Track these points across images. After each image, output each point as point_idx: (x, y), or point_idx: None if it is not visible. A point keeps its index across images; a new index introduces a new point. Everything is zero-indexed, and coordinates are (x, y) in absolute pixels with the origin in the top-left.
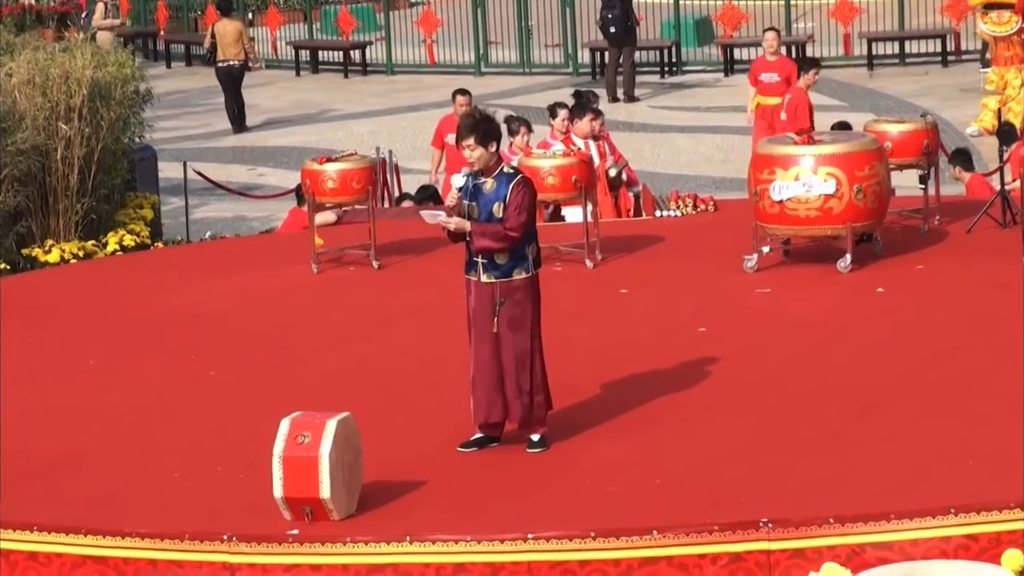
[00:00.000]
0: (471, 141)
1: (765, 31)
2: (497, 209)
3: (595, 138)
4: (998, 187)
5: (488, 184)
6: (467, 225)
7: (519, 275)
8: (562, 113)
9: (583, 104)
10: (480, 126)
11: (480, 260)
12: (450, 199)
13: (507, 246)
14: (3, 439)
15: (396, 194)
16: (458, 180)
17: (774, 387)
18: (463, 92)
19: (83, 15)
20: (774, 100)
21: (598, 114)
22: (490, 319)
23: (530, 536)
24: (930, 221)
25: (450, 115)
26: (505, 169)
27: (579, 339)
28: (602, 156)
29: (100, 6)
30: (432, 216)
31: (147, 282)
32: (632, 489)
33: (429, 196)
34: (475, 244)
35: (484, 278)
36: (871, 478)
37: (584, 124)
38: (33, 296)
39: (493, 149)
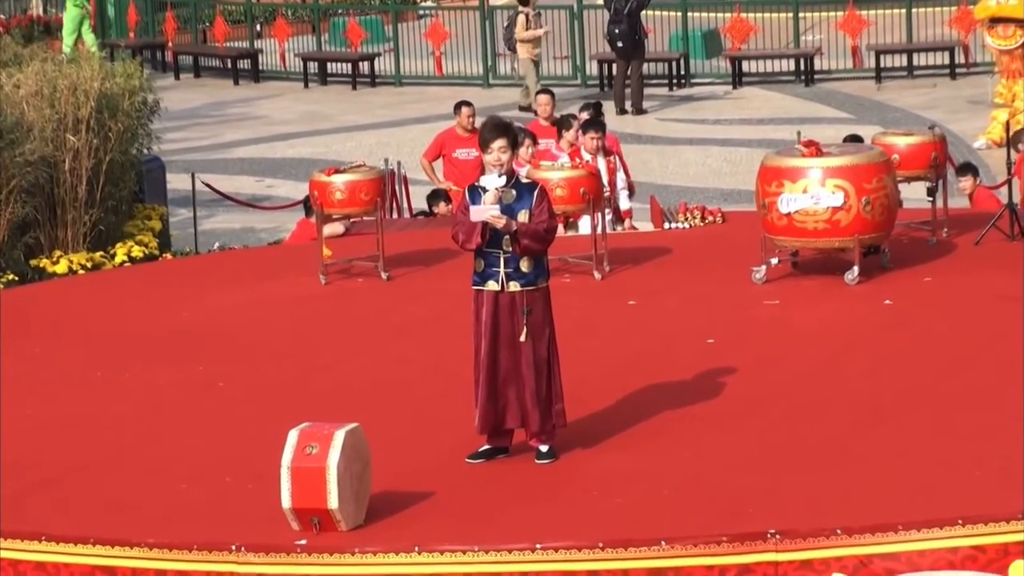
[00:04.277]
0: (504, 143)
1: (537, 94)
2: (523, 217)
3: (606, 153)
4: (1005, 199)
5: (507, 195)
6: (514, 224)
7: (541, 283)
8: (574, 125)
9: (596, 121)
10: (509, 129)
11: (504, 270)
12: (491, 197)
13: (544, 248)
14: (11, 449)
15: (405, 205)
16: (494, 180)
17: (782, 398)
18: (468, 103)
19: (505, 26)
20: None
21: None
22: (517, 328)
23: (538, 546)
24: (938, 233)
25: (451, 128)
26: (521, 179)
27: (587, 350)
28: (611, 171)
29: (521, 17)
30: (481, 212)
31: (155, 293)
32: (640, 500)
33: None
34: (521, 244)
35: (511, 287)
36: (879, 489)
37: (579, 137)
38: (41, 307)
39: (512, 156)
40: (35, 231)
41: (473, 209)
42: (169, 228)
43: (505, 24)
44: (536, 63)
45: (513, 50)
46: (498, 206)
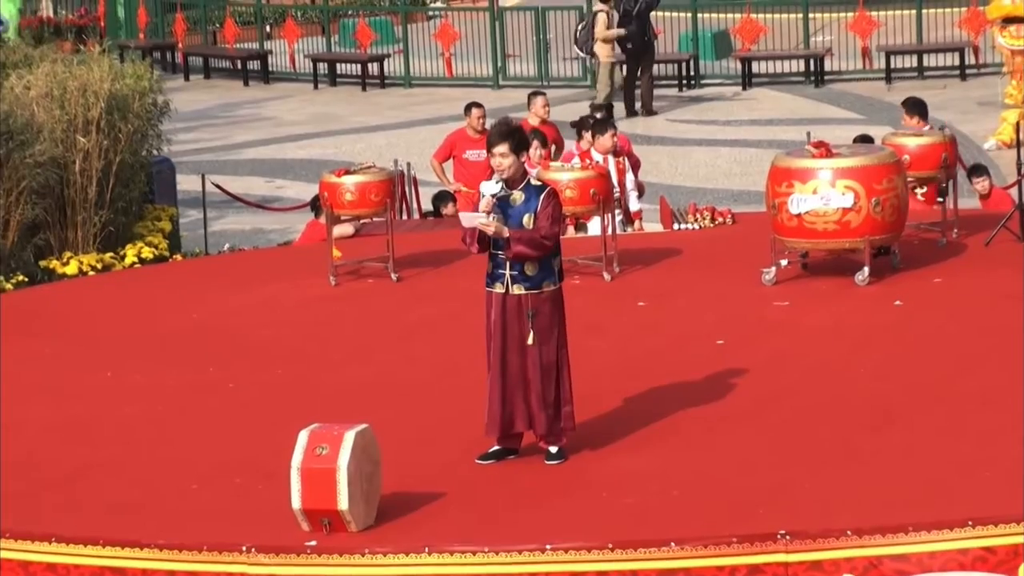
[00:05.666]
0: (505, 148)
1: (535, 96)
2: (527, 221)
3: (615, 153)
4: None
5: (515, 196)
6: (505, 230)
7: (548, 287)
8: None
9: (608, 121)
10: (515, 134)
11: (509, 273)
12: (484, 204)
13: (541, 254)
14: (21, 450)
15: (415, 206)
16: (490, 187)
17: (792, 399)
18: (478, 105)
19: (580, 27)
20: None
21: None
22: (524, 331)
23: (548, 547)
24: (948, 234)
25: (461, 129)
26: (532, 181)
27: (597, 351)
28: (620, 172)
29: (602, 15)
30: (471, 219)
31: (165, 294)
32: (650, 501)
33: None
34: (512, 250)
35: (515, 290)
36: (889, 490)
37: (606, 139)
38: (51, 308)
39: (522, 159)
40: (45, 232)
41: (463, 216)
42: (179, 229)
43: (580, 25)
44: (613, 65)
45: (589, 53)
46: (489, 214)
